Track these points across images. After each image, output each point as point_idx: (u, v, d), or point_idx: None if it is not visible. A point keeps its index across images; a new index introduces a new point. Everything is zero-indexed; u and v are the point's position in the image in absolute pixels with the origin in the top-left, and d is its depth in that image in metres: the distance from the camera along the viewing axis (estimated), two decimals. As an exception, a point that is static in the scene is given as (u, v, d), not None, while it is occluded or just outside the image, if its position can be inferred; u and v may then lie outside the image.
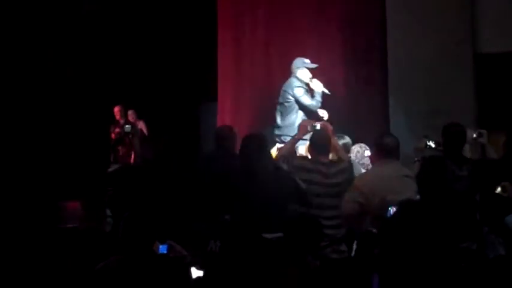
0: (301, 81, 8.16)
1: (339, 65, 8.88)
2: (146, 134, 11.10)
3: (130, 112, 11.24)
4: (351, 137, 7.08)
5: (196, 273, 4.65)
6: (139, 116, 11.32)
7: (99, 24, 11.39)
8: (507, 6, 9.31)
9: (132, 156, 10.70)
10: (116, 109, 11.19)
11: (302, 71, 8.15)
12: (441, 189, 4.93)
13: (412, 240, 3.77)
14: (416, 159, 6.80)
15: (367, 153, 6.64)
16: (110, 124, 11.21)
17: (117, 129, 10.96)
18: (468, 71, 9.31)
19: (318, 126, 6.33)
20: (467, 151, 6.46)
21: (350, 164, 6.16)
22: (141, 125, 11.16)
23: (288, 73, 8.79)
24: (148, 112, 11.43)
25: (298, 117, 8.07)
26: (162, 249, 4.60)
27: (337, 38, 9.66)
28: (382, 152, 5.45)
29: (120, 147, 10.90)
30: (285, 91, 8.22)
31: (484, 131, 6.44)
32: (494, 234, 5.33)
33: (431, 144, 6.64)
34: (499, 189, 5.86)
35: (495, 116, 9.13)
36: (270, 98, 9.40)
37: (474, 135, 6.47)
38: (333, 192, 5.80)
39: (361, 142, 7.12)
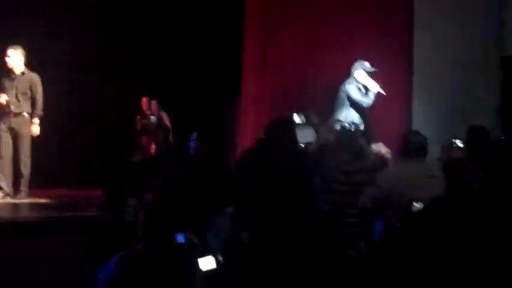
0: (357, 81, 8.27)
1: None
2: (169, 126, 11.12)
3: (153, 102, 11.28)
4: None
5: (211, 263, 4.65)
6: (162, 108, 11.34)
7: (123, 18, 11.45)
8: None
9: (154, 147, 10.74)
10: (144, 100, 11.21)
11: (359, 72, 8.27)
12: (460, 191, 4.90)
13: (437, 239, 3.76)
14: (439, 158, 6.77)
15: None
16: (135, 114, 11.24)
17: (144, 120, 11.01)
18: (493, 73, 9.29)
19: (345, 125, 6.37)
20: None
21: (374, 163, 6.14)
22: (165, 116, 11.19)
23: (316, 67, 9.28)
24: (172, 104, 11.45)
25: (349, 113, 8.14)
26: (180, 239, 4.63)
27: (363, 36, 9.69)
28: (407, 149, 5.43)
29: (143, 138, 10.98)
30: (340, 89, 8.37)
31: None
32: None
33: (459, 143, 6.63)
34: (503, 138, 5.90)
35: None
36: (295, 92, 9.54)
37: (502, 138, 6.45)
38: (354, 190, 5.78)
39: (383, 140, 7.10)
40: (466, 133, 5.92)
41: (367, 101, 8.18)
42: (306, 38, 9.97)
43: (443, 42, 9.32)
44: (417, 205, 4.55)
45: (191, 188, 6.62)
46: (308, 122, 6.72)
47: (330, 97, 9.27)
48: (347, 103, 8.27)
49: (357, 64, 8.39)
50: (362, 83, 8.26)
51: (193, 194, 6.49)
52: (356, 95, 8.14)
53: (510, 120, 9.19)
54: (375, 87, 8.21)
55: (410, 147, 5.42)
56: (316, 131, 7.08)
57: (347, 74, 8.75)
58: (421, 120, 9.20)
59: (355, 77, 8.28)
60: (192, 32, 11.54)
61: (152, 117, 10.84)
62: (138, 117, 11.16)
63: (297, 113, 6.62)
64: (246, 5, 10.27)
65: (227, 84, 11.13)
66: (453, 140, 6.65)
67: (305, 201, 5.73)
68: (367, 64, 8.33)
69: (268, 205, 5.37)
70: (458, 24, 9.30)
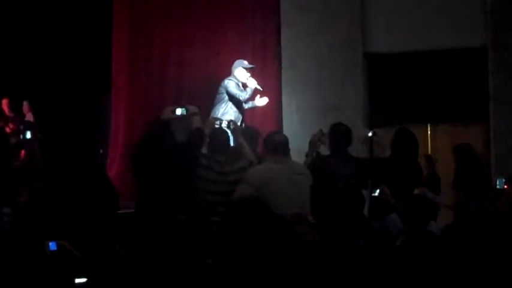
0: (237, 79, 8.39)
1: (234, 60, 9.07)
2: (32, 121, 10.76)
3: (25, 103, 10.97)
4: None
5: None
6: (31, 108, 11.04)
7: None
8: (397, 8, 9.67)
9: (24, 152, 10.44)
10: (4, 102, 10.83)
11: (239, 70, 8.39)
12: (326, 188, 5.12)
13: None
14: (307, 152, 6.96)
15: None
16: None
17: (11, 125, 10.67)
18: (358, 70, 9.61)
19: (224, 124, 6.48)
20: (362, 150, 6.68)
21: (250, 163, 6.20)
22: (30, 116, 10.89)
23: (184, 64, 9.64)
24: (44, 105, 11.20)
25: (227, 107, 8.28)
26: (52, 246, 4.57)
27: (233, 34, 9.92)
28: (270, 149, 5.56)
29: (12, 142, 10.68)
30: (220, 85, 8.46)
31: (378, 131, 6.68)
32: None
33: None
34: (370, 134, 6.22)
35: (383, 113, 9.51)
36: (164, 89, 9.79)
37: (369, 134, 6.69)
38: (228, 190, 5.84)
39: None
40: (329, 131, 6.11)
41: (244, 94, 8.33)
42: (174, 36, 10.11)
43: (309, 40, 9.60)
44: None
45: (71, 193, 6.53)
46: (188, 113, 6.73)
47: (198, 91, 9.47)
48: (226, 99, 8.40)
49: (236, 63, 8.57)
50: (241, 81, 8.42)
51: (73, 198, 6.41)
52: (233, 89, 8.28)
53: (375, 115, 9.59)
54: (252, 83, 8.38)
55: (272, 146, 5.53)
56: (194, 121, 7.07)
57: (215, 73, 8.96)
58: (291, 118, 9.48)
59: (235, 75, 8.44)
60: (60, 31, 11.33)
61: (28, 132, 10.47)
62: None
63: (178, 107, 6.66)
64: (114, 3, 10.28)
65: (97, 83, 11.04)
66: (319, 135, 6.85)
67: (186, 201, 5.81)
68: (245, 62, 8.52)
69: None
70: (323, 23, 9.57)
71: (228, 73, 8.55)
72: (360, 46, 9.61)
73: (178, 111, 6.42)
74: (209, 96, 8.73)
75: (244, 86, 8.46)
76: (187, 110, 6.49)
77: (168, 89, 10.10)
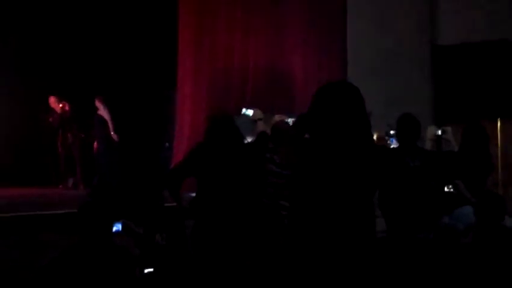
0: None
1: (299, 53, 8.98)
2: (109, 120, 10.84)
3: (97, 99, 11.08)
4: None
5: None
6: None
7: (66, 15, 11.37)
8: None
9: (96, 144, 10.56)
10: (52, 100, 11.08)
11: None
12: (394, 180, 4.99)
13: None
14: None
15: None
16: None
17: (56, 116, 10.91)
18: (426, 62, 9.45)
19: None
20: (428, 147, 6.51)
21: None
22: (102, 111, 10.96)
23: (248, 55, 9.50)
24: (112, 100, 11.33)
25: None
26: (117, 227, 4.61)
27: (298, 26, 9.83)
28: None
29: (68, 135, 10.90)
30: None
31: (448, 128, 6.50)
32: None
33: (392, 133, 6.67)
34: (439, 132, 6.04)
35: (451, 107, 9.30)
36: (228, 85, 9.61)
37: (438, 133, 6.53)
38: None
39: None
40: (397, 122, 5.95)
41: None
42: (239, 30, 10.07)
43: (376, 32, 9.46)
44: None
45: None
46: (251, 117, 6.64)
47: (263, 87, 9.38)
48: None
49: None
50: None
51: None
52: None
53: (443, 108, 9.39)
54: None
55: None
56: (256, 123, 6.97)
57: (280, 64, 8.86)
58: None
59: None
60: (127, 27, 11.46)
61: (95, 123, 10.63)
62: (50, 117, 11.03)
63: (245, 108, 6.58)
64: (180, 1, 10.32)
65: (163, 78, 11.14)
66: (387, 131, 6.72)
67: (250, 194, 5.76)
68: None
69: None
70: (391, 15, 9.43)
71: (292, 63, 8.41)
72: (428, 37, 9.47)
73: (246, 111, 6.33)
74: (273, 87, 8.63)
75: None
76: (249, 114, 6.35)
77: (233, 82, 10.08)
